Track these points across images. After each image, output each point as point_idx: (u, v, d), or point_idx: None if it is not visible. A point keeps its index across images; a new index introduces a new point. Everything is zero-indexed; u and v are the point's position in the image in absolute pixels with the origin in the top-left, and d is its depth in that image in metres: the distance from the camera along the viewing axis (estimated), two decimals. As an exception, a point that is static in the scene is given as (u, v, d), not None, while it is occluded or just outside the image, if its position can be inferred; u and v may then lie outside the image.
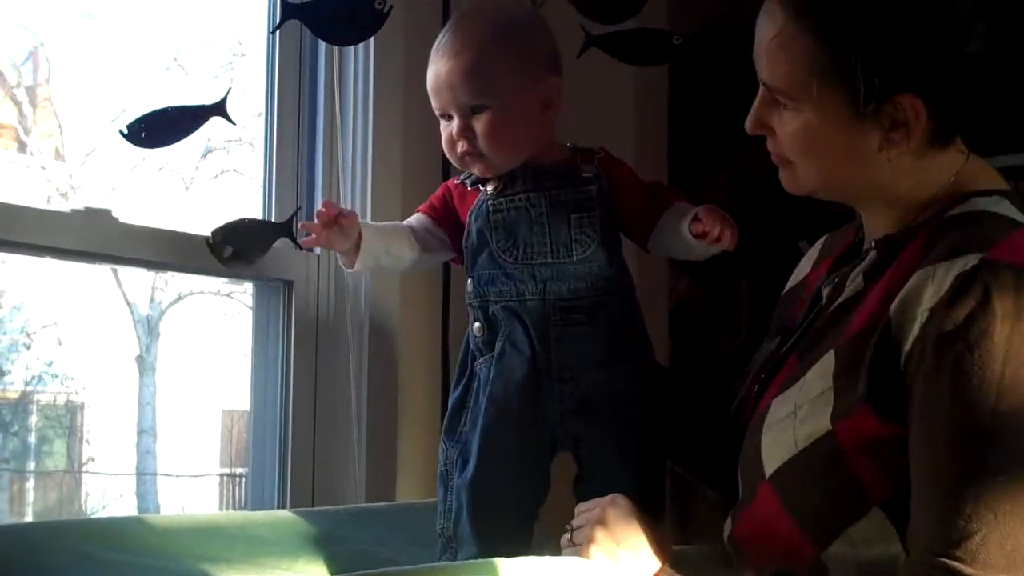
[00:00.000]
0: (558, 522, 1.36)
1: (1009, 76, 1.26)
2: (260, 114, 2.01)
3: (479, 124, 1.43)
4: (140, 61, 2.32)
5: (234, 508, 3.05)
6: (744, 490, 1.31)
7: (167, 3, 2.28)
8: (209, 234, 1.65)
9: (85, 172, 2.44)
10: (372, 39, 1.84)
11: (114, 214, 1.73)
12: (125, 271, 2.65)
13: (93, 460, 2.86)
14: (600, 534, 1.28)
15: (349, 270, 1.49)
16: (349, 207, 1.98)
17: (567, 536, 1.32)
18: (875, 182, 1.29)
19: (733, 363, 1.55)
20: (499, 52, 1.43)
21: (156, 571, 1.32)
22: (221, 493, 3.33)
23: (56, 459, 2.88)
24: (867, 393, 1.18)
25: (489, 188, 1.46)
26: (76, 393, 2.77)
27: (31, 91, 2.50)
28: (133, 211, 1.84)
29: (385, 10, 1.72)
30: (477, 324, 1.45)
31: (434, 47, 1.46)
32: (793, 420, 1.25)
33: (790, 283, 1.55)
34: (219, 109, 1.61)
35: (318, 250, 1.98)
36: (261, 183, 1.99)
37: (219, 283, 2.72)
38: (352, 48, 1.98)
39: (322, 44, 1.96)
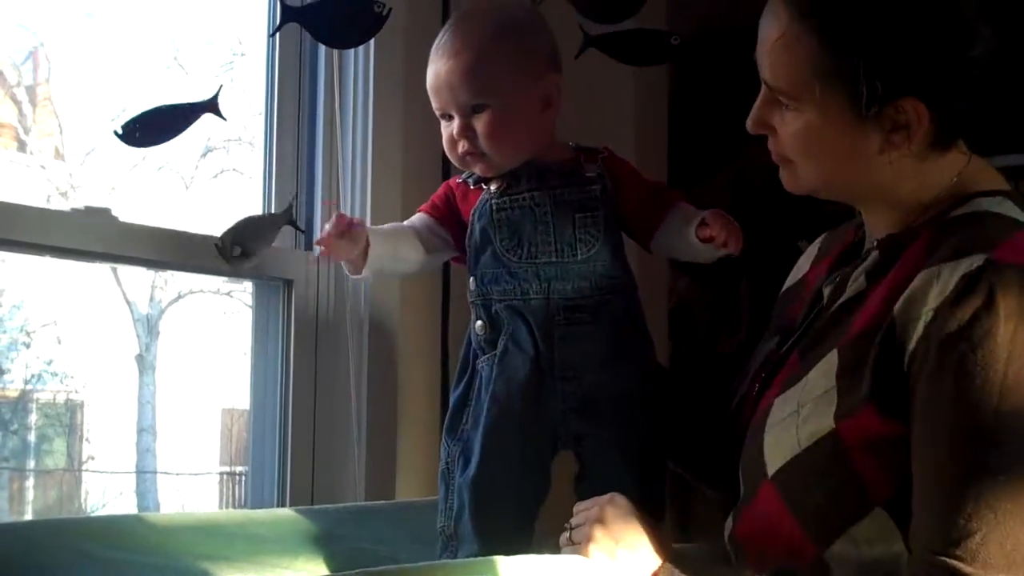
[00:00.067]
0: (559, 521, 1.36)
1: (1011, 79, 1.26)
2: (260, 113, 2.01)
3: (480, 123, 1.43)
4: (140, 60, 2.33)
5: (234, 506, 3.06)
6: (745, 489, 1.31)
7: (167, 2, 2.28)
8: (218, 238, 1.66)
9: (85, 171, 2.45)
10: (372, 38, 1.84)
11: (114, 213, 1.73)
12: (125, 270, 2.65)
13: (93, 458, 2.87)
14: (599, 533, 1.28)
15: (355, 277, 1.48)
16: (349, 206, 1.99)
17: (566, 535, 1.32)
18: (876, 183, 1.29)
19: (732, 362, 1.55)
20: (499, 51, 1.43)
21: (156, 569, 1.32)
22: (221, 491, 3.34)
23: (56, 457, 2.88)
24: (871, 392, 1.18)
25: (493, 187, 1.46)
26: (76, 392, 2.78)
27: (31, 90, 2.50)
28: (133, 210, 1.84)
29: (384, 13, 1.72)
30: (480, 323, 1.45)
31: (434, 46, 1.46)
32: (796, 419, 1.25)
33: (788, 282, 1.55)
34: (211, 106, 1.62)
35: (318, 249, 1.98)
36: (261, 182, 1.99)
37: (219, 282, 2.72)
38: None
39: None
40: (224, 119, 1.63)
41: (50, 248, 1.66)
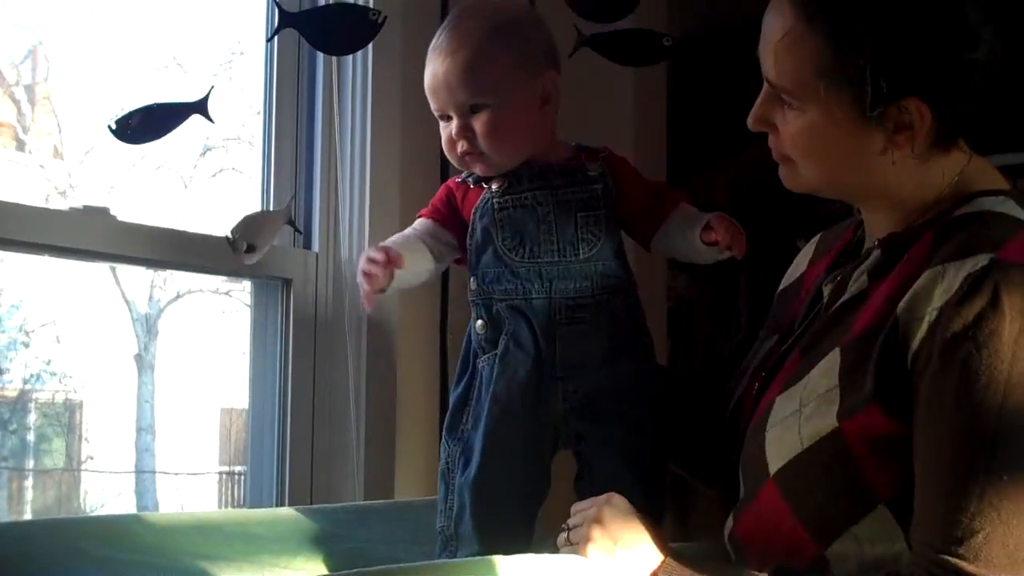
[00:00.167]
0: (558, 521, 1.36)
1: (1013, 80, 1.26)
2: (259, 112, 2.02)
3: (478, 123, 1.43)
4: (139, 60, 2.33)
5: (233, 506, 3.06)
6: (746, 488, 1.31)
7: (166, 2, 2.28)
8: (229, 231, 1.68)
9: (83, 170, 2.45)
10: (371, 38, 1.84)
11: (112, 212, 1.73)
12: (123, 269, 2.65)
13: (92, 458, 2.87)
14: (597, 532, 1.28)
15: (368, 309, 1.43)
16: (347, 205, 1.99)
17: (563, 535, 1.32)
18: (878, 183, 1.29)
19: (731, 361, 1.55)
20: (496, 50, 1.42)
21: (155, 569, 1.32)
22: (220, 491, 3.34)
23: (55, 457, 2.88)
24: (873, 391, 1.18)
25: (494, 186, 1.46)
26: (75, 391, 2.78)
27: (30, 89, 2.50)
28: (131, 209, 1.84)
29: (379, 21, 1.73)
30: (480, 322, 1.45)
31: (431, 46, 1.45)
32: (798, 418, 1.25)
33: (784, 282, 1.55)
34: (200, 107, 1.62)
35: (316, 248, 1.99)
36: (259, 181, 1.99)
37: (217, 281, 2.73)
38: (350, 47, 1.98)
39: (320, 43, 1.96)
40: (212, 121, 1.63)
41: (49, 247, 1.66)
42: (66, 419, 2.82)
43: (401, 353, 1.98)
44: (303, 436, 1.93)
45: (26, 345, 2.57)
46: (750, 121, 1.32)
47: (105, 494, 2.82)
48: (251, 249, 1.71)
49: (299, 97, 2.00)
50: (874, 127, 1.23)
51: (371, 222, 1.98)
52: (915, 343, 1.16)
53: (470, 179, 1.49)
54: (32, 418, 2.75)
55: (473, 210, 1.46)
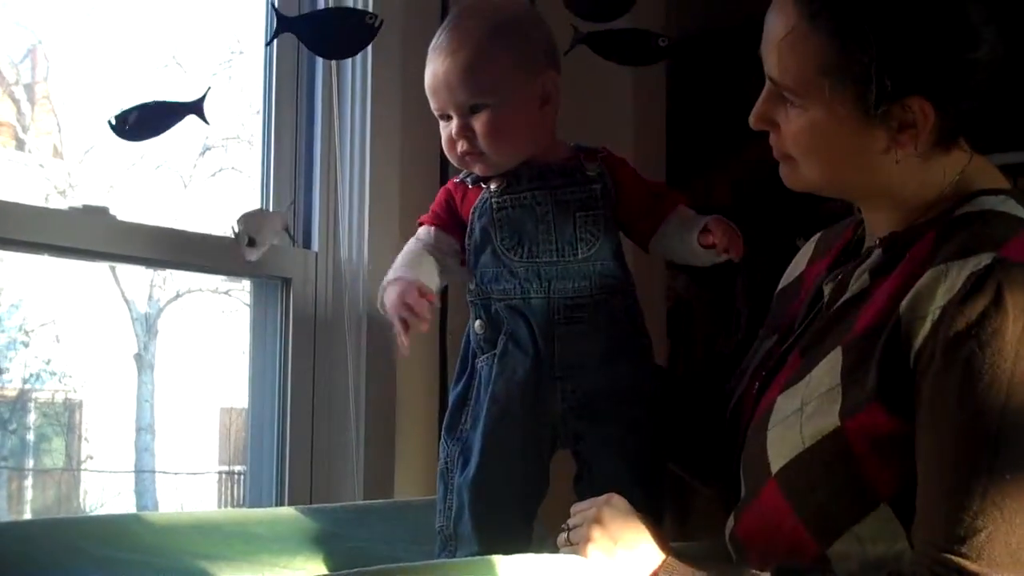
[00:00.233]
0: (558, 521, 1.36)
1: (1015, 79, 1.26)
2: (258, 112, 2.02)
3: (478, 123, 1.42)
4: (138, 59, 2.33)
5: (232, 506, 3.06)
6: (747, 488, 1.31)
7: (166, 2, 2.28)
8: (234, 223, 1.72)
9: (83, 170, 2.45)
10: (370, 37, 1.84)
11: (112, 212, 1.73)
12: (123, 269, 2.65)
13: (91, 458, 2.87)
14: (597, 533, 1.28)
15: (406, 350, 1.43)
16: (347, 205, 1.99)
17: (563, 535, 1.32)
18: (880, 181, 1.29)
19: (730, 361, 1.55)
20: (496, 49, 1.42)
21: (154, 569, 1.32)
22: (219, 490, 3.34)
23: (54, 457, 2.88)
24: (876, 390, 1.18)
25: (493, 186, 1.46)
26: (74, 391, 2.78)
27: (29, 89, 2.50)
28: (131, 209, 1.84)
29: (376, 25, 1.74)
30: (479, 322, 1.45)
31: (431, 46, 1.45)
32: (799, 417, 1.25)
33: (784, 281, 1.55)
34: (196, 108, 1.63)
35: (316, 247, 1.99)
36: (259, 181, 1.99)
37: (217, 281, 2.73)
38: (350, 46, 1.98)
39: (320, 42, 1.96)
40: (207, 122, 1.64)
41: (48, 247, 1.66)
42: (66, 419, 2.82)
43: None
44: (303, 436, 1.93)
45: (26, 345, 2.57)
46: (752, 119, 1.32)
47: (105, 494, 2.82)
48: (252, 243, 1.74)
49: (299, 96, 2.00)
50: (877, 125, 1.23)
51: (371, 221, 1.98)
52: (918, 342, 1.17)
53: (468, 179, 1.49)
54: (32, 418, 2.75)
55: (472, 210, 1.46)
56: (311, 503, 1.85)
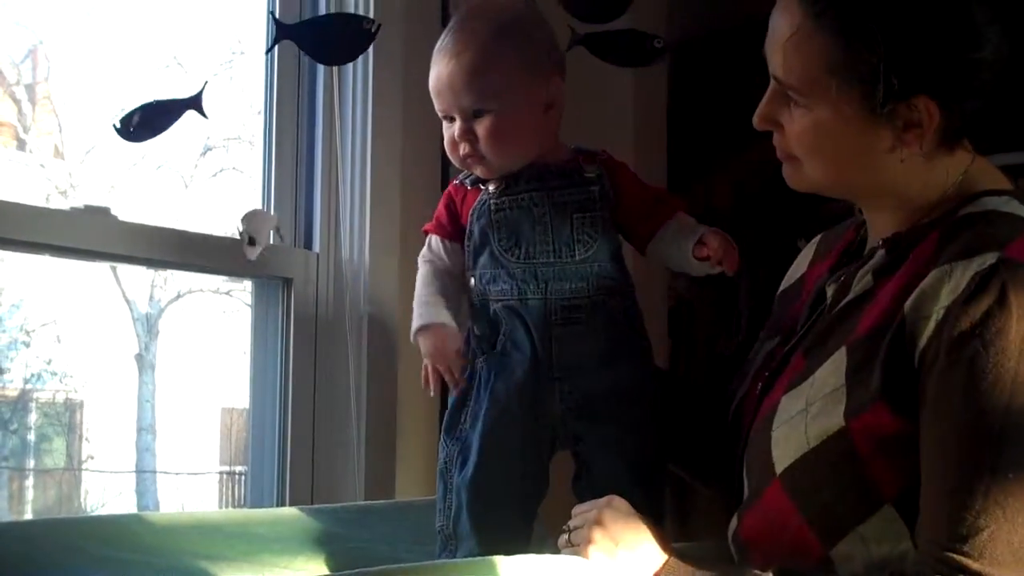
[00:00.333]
0: (558, 521, 1.36)
1: (1018, 80, 1.26)
2: (259, 112, 2.02)
3: (481, 127, 1.42)
4: (139, 59, 2.33)
5: (233, 506, 3.06)
6: (751, 488, 1.31)
7: (166, 1, 2.28)
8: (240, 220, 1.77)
9: (84, 170, 2.45)
10: (371, 37, 1.84)
11: (113, 212, 1.73)
12: (124, 269, 2.65)
13: (92, 458, 2.87)
14: (598, 534, 1.28)
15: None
16: (348, 204, 1.99)
17: (564, 537, 1.32)
18: (884, 181, 1.29)
19: (731, 361, 1.55)
20: (501, 55, 1.42)
21: (155, 569, 1.32)
22: (220, 491, 3.34)
23: (55, 457, 2.88)
24: (881, 390, 1.19)
25: (491, 187, 1.46)
26: (75, 391, 2.78)
27: (30, 89, 2.50)
28: (132, 209, 1.85)
29: (373, 30, 1.75)
30: (478, 323, 1.45)
31: (436, 47, 1.45)
32: (804, 417, 1.25)
33: (785, 283, 1.55)
34: (195, 103, 1.64)
35: (317, 248, 1.99)
36: (260, 181, 1.99)
37: (218, 281, 2.72)
38: (351, 46, 1.98)
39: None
40: (206, 116, 1.64)
41: (49, 247, 1.66)
42: (67, 419, 2.81)
43: (402, 353, 1.98)
44: (304, 436, 1.93)
45: (27, 345, 2.57)
46: (756, 119, 1.32)
47: (106, 494, 2.82)
48: (252, 243, 1.78)
49: (300, 97, 2.00)
50: (883, 125, 1.23)
51: (372, 222, 1.98)
52: (922, 342, 1.17)
53: (467, 180, 1.49)
54: (33, 418, 2.75)
55: (471, 211, 1.46)
56: (312, 503, 1.85)
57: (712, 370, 2.61)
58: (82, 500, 2.74)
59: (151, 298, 2.86)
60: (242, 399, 2.03)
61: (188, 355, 2.92)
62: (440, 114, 1.46)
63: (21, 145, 2.55)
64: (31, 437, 2.78)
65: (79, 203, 1.74)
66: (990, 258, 1.16)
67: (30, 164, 2.55)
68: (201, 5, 2.33)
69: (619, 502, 1.31)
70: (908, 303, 1.19)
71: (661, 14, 2.50)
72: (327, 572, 1.44)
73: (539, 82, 1.44)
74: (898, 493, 1.19)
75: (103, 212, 1.72)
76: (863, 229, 1.40)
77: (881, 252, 1.30)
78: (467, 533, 1.41)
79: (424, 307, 1.47)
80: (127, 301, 2.79)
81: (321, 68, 1.99)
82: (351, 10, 1.97)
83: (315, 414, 1.95)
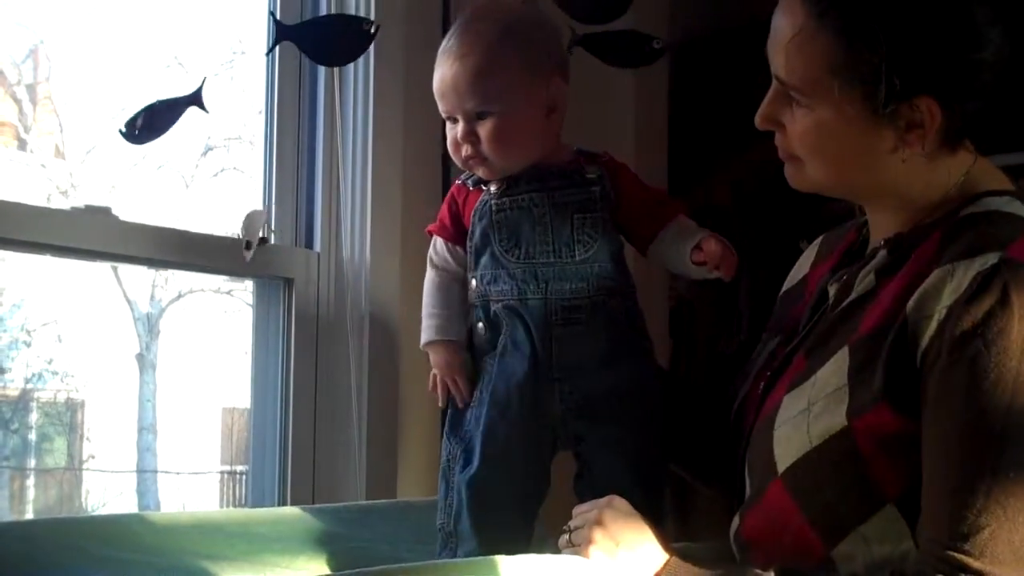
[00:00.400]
0: (559, 521, 1.36)
1: (1019, 81, 1.27)
2: (260, 111, 2.02)
3: (483, 129, 1.43)
4: (140, 59, 2.32)
5: (234, 506, 3.05)
6: (753, 487, 1.32)
7: (167, 1, 2.28)
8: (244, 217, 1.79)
9: (85, 170, 2.45)
10: (372, 37, 1.84)
11: (114, 212, 1.73)
12: (125, 269, 2.65)
13: (93, 457, 2.86)
14: (598, 534, 1.28)
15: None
16: (349, 205, 1.99)
17: (565, 537, 1.32)
18: (886, 181, 1.29)
19: (732, 362, 1.55)
20: (505, 58, 1.42)
21: (156, 569, 1.32)
22: (221, 491, 3.33)
23: (56, 456, 2.88)
24: (883, 389, 1.19)
25: (492, 188, 1.46)
26: (76, 390, 2.77)
27: (31, 89, 2.50)
28: (133, 209, 1.85)
29: (372, 31, 1.75)
30: (480, 324, 1.46)
31: (441, 49, 1.45)
32: (806, 416, 1.25)
33: (787, 284, 1.55)
34: (195, 99, 1.64)
35: (318, 247, 1.99)
36: (261, 181, 1.99)
37: (219, 281, 2.72)
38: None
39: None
40: (207, 111, 1.65)
41: (50, 247, 1.66)
42: (68, 418, 2.81)
43: (403, 352, 1.98)
44: (305, 435, 1.93)
45: (28, 344, 2.57)
46: (758, 119, 1.32)
47: (107, 493, 2.82)
48: (248, 246, 1.79)
49: (301, 96, 2.00)
50: (885, 125, 1.24)
51: (373, 222, 1.98)
52: (924, 341, 1.17)
53: (470, 181, 1.49)
54: (34, 417, 2.74)
55: (473, 212, 1.47)
56: (313, 503, 1.85)
57: (713, 370, 2.61)
58: (83, 500, 2.74)
59: (152, 298, 2.86)
60: (243, 399, 2.03)
61: (189, 355, 2.92)
62: (444, 115, 1.46)
63: (22, 145, 2.55)
64: (32, 437, 2.78)
65: (80, 203, 1.74)
66: (992, 258, 1.16)
67: (31, 164, 2.55)
68: (202, 5, 2.33)
69: (620, 502, 1.31)
70: (910, 303, 1.19)
71: (663, 14, 2.50)
72: (328, 572, 1.44)
73: (542, 85, 1.44)
74: (900, 493, 1.19)
75: (104, 212, 1.72)
76: (865, 229, 1.40)
77: (883, 252, 1.30)
78: (468, 532, 1.41)
79: (434, 319, 1.49)
80: (128, 301, 2.78)
81: (322, 68, 1.99)
82: (352, 11, 1.98)
83: (316, 414, 1.95)
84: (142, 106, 1.65)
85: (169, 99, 1.66)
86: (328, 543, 1.49)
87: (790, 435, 1.26)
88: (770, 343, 1.47)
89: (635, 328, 1.47)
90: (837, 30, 1.22)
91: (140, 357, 2.85)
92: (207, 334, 2.86)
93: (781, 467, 1.26)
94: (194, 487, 3.11)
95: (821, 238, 1.54)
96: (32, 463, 2.77)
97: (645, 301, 1.50)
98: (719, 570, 1.27)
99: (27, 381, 2.67)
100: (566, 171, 1.46)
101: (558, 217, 1.44)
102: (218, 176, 2.63)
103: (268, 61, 1.98)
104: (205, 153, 2.63)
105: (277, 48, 1.92)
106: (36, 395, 2.71)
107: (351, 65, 1.98)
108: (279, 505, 1.88)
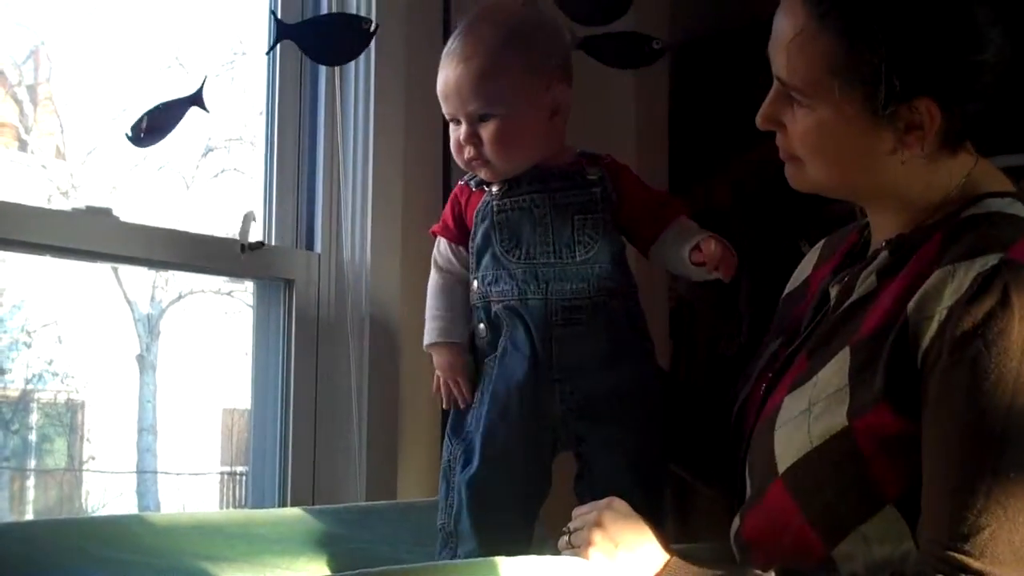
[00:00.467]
0: (559, 522, 1.36)
1: (1020, 82, 1.27)
2: (261, 112, 2.02)
3: (486, 132, 1.43)
4: (141, 60, 2.32)
5: (235, 507, 3.05)
6: (753, 488, 1.32)
7: (168, 2, 2.28)
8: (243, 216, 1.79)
9: (86, 171, 2.45)
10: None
11: (115, 213, 1.73)
12: (125, 270, 2.65)
13: (93, 458, 2.86)
14: (598, 536, 1.28)
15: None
16: (349, 205, 1.99)
17: (564, 539, 1.32)
18: (886, 183, 1.29)
19: (733, 363, 1.55)
20: (507, 61, 1.42)
21: (156, 570, 1.32)
22: (221, 491, 3.33)
23: (57, 457, 2.88)
24: (884, 390, 1.19)
25: (494, 189, 1.46)
26: (76, 391, 2.77)
27: (32, 90, 2.50)
28: (134, 210, 1.85)
29: (371, 30, 1.75)
30: (481, 324, 1.46)
31: (444, 51, 1.45)
32: (807, 417, 1.25)
33: (789, 286, 1.55)
34: (196, 99, 1.65)
35: (318, 248, 1.99)
36: (262, 182, 1.99)
37: (219, 282, 2.72)
38: (353, 46, 1.98)
39: (323, 43, 1.97)
40: (207, 111, 1.65)
41: (51, 248, 1.66)
42: (68, 419, 2.81)
43: (403, 353, 1.98)
44: (305, 437, 1.93)
45: (28, 345, 2.57)
46: (759, 120, 1.32)
47: (107, 494, 2.82)
48: (242, 249, 1.80)
49: (302, 97, 2.00)
50: (885, 126, 1.24)
51: (373, 223, 1.98)
52: (925, 342, 1.17)
53: (473, 182, 1.50)
54: (34, 418, 2.74)
55: (475, 213, 1.47)
56: (314, 504, 1.85)
57: (713, 371, 2.61)
58: (83, 501, 2.74)
59: (152, 299, 2.86)
60: (243, 400, 2.02)
61: (189, 356, 2.92)
62: (447, 117, 1.46)
63: (23, 146, 2.55)
64: (32, 437, 2.78)
65: (81, 204, 1.75)
66: (993, 259, 1.16)
67: (32, 165, 2.55)
68: (202, 5, 2.33)
69: (619, 503, 1.31)
70: (911, 304, 1.19)
71: (664, 15, 2.50)
72: (328, 573, 1.44)
73: (544, 87, 1.44)
74: (900, 493, 1.19)
75: (105, 213, 1.72)
76: (866, 231, 1.40)
77: (884, 253, 1.30)
78: (468, 533, 1.41)
79: (437, 321, 1.49)
80: (128, 302, 2.78)
81: (323, 68, 1.99)
82: (352, 10, 1.98)
83: (316, 415, 1.94)
84: (145, 109, 1.64)
85: (171, 100, 1.66)
86: (328, 544, 1.49)
87: (791, 435, 1.26)
88: (772, 344, 1.47)
89: (636, 329, 1.47)
90: (838, 31, 1.22)
91: (140, 358, 2.86)
92: (207, 335, 2.86)
93: (782, 467, 1.26)
94: (194, 488, 3.11)
95: (823, 241, 1.54)
96: (32, 464, 2.77)
97: (645, 302, 1.50)
98: (719, 571, 1.26)
99: (27, 382, 2.67)
100: (567, 172, 1.47)
101: (559, 218, 1.44)
102: (219, 177, 2.63)
103: (268, 61, 1.98)
104: (206, 154, 2.63)
105: (278, 49, 1.92)
106: (36, 396, 2.71)
107: (352, 65, 1.98)
108: (279, 506, 1.88)
